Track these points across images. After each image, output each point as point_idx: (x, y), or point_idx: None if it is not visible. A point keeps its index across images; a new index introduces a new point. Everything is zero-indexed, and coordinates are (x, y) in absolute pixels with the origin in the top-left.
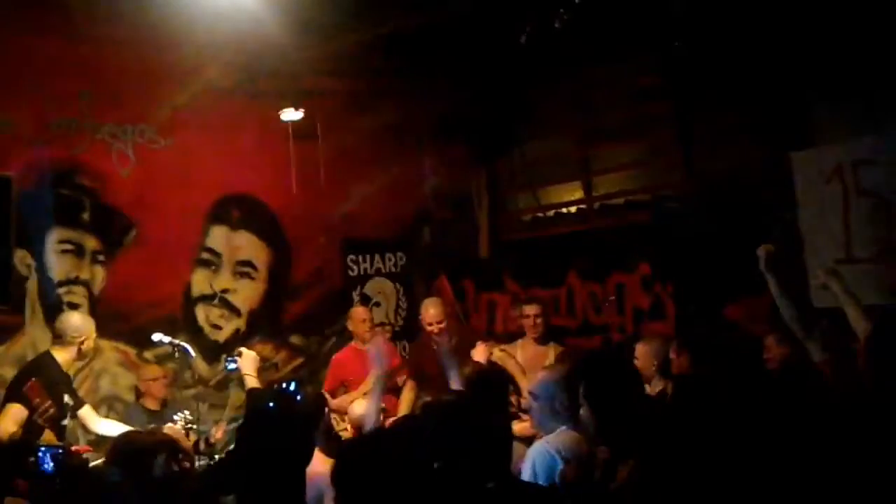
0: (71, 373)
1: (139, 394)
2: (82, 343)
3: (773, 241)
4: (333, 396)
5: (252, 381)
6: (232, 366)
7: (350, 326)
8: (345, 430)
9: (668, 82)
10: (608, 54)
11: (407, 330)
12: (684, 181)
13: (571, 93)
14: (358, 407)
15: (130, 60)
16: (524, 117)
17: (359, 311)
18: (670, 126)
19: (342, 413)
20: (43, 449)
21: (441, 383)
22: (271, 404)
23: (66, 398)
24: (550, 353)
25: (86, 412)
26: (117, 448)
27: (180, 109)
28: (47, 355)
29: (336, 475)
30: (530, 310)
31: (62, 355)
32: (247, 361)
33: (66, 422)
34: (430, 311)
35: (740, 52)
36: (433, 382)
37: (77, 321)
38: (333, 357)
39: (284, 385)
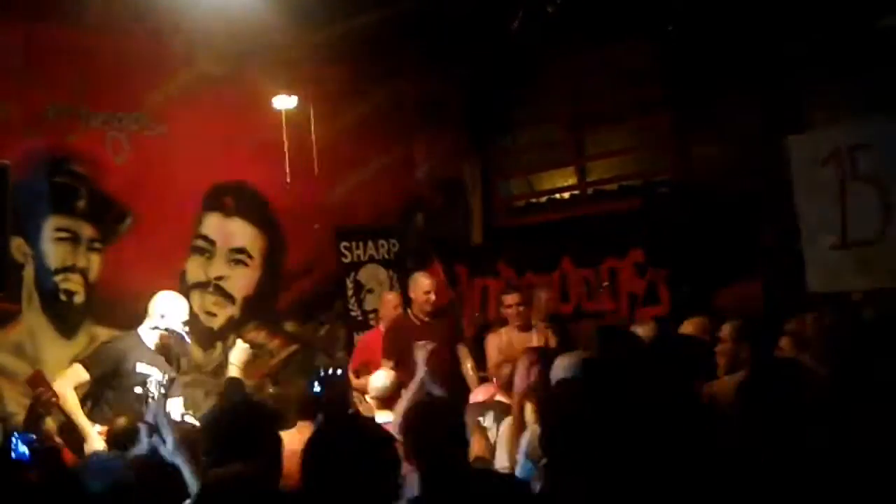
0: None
1: None
2: (161, 318)
3: (767, 226)
4: (357, 377)
5: (234, 371)
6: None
7: (380, 309)
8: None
9: (662, 66)
10: (601, 38)
11: None
12: (678, 166)
13: (564, 78)
14: (376, 379)
15: (124, 48)
16: (517, 103)
17: (391, 297)
18: (663, 111)
19: (365, 392)
20: (16, 434)
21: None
22: (318, 388)
23: (145, 368)
24: (533, 337)
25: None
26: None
27: (174, 97)
28: (134, 332)
29: (306, 457)
30: (510, 299)
31: (146, 331)
32: (236, 352)
33: (139, 389)
34: (425, 281)
35: (734, 35)
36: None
37: (158, 297)
38: (359, 338)
39: (329, 371)
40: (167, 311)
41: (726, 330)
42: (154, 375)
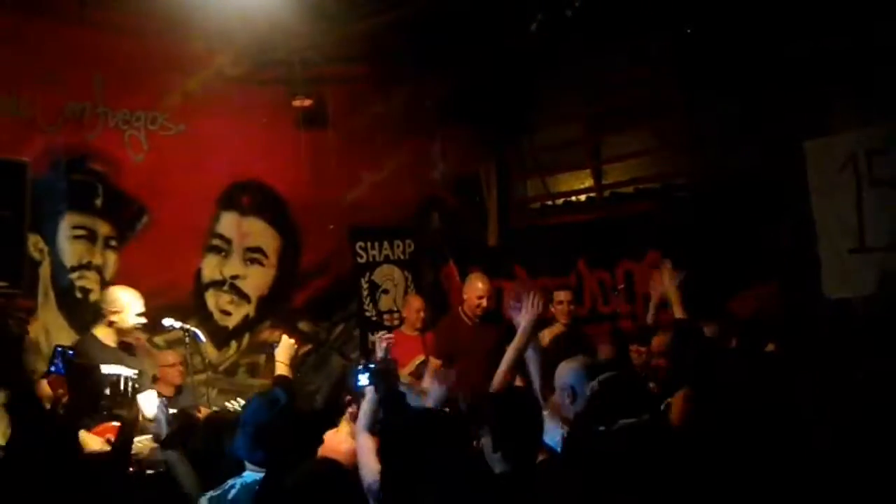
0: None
1: (154, 379)
2: (114, 314)
3: (784, 230)
4: None
5: (282, 369)
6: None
7: (404, 313)
8: None
9: (679, 69)
10: (618, 40)
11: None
12: (694, 169)
13: (581, 80)
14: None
15: (143, 47)
16: (534, 104)
17: (415, 301)
18: (681, 113)
19: None
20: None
21: (470, 361)
22: (365, 382)
23: (110, 368)
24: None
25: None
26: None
27: (192, 96)
28: (89, 335)
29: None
30: (563, 296)
31: (101, 331)
32: (282, 349)
33: (110, 391)
34: (480, 286)
35: (752, 39)
36: (462, 360)
37: (110, 294)
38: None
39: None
40: (122, 307)
41: (657, 343)
42: (122, 373)
